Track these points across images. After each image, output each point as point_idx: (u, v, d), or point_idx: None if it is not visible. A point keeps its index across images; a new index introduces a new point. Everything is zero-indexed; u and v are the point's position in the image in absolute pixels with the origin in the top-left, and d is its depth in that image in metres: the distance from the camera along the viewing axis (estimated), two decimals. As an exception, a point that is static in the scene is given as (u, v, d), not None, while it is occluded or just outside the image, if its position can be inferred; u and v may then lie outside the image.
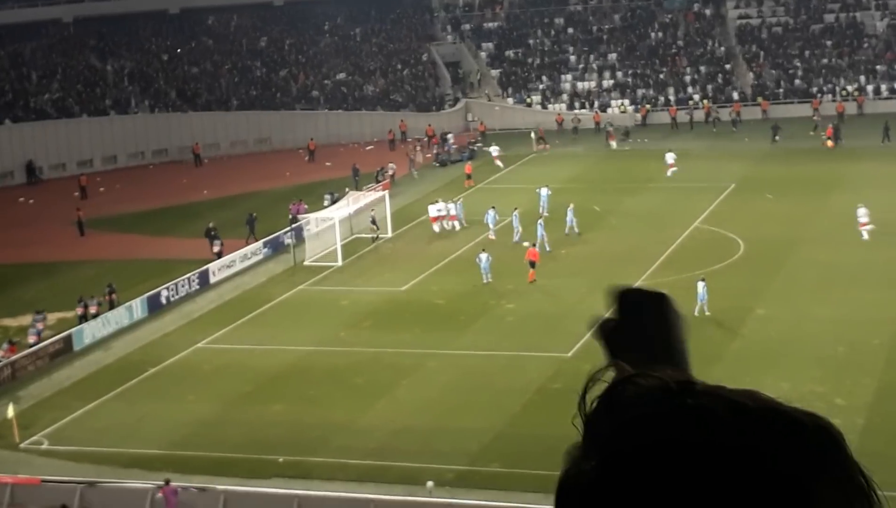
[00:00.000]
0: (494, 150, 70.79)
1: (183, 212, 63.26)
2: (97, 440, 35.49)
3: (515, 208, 54.07)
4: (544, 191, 57.77)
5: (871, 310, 41.53)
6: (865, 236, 50.56)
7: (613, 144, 74.98)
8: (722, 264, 47.61)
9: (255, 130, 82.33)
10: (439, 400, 36.53)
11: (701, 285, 41.81)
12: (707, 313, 41.24)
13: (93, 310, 45.60)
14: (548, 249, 50.52)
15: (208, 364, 41.13)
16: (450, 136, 77.03)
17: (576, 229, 53.39)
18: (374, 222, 54.98)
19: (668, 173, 64.64)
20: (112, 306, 46.14)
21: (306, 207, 58.23)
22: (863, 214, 51.56)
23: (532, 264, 47.24)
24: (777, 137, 72.71)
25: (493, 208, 54.07)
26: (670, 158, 64.84)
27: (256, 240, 54.92)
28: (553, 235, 51.95)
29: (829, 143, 70.40)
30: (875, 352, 37.80)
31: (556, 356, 38.92)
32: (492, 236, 52.92)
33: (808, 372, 36.40)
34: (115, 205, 66.33)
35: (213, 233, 54.15)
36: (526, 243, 50.05)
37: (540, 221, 52.29)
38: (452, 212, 57.09)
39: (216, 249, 53.32)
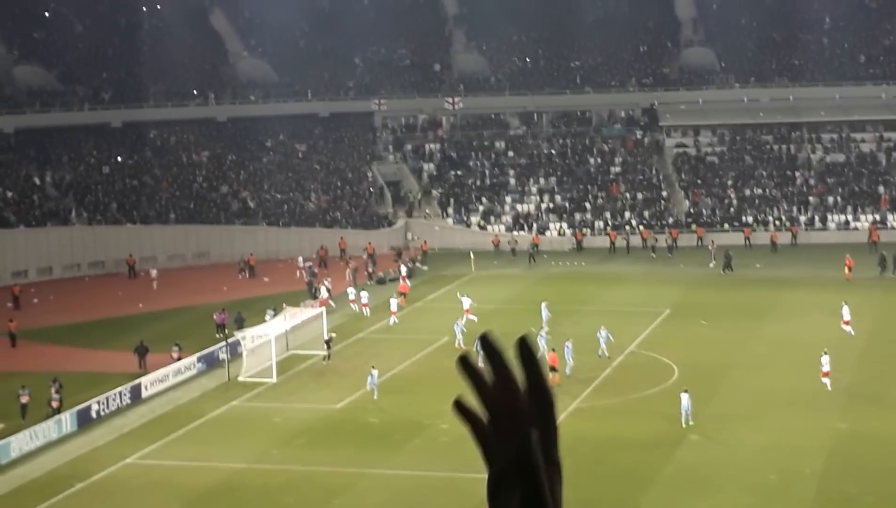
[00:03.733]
0: (467, 302, 60.36)
1: (117, 325, 62.62)
2: (19, 556, 34.64)
3: (541, 329, 53.75)
4: (544, 306, 57.76)
5: (802, 437, 41.81)
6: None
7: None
8: (656, 389, 47.78)
9: (193, 244, 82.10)
10: (371, 521, 36.09)
11: (685, 397, 42.70)
12: (691, 423, 42.43)
13: (24, 399, 46.29)
14: (568, 372, 49.31)
15: (137, 480, 40.39)
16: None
17: (606, 353, 52.20)
18: (328, 344, 54.52)
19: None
20: (58, 411, 45.68)
21: (226, 315, 59.29)
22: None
23: (553, 369, 46.87)
24: (729, 269, 72.03)
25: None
26: (846, 312, 55.61)
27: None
28: (581, 356, 50.91)
29: (847, 272, 67.98)
30: (806, 481, 37.91)
31: (490, 478, 38.59)
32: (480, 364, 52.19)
33: (740, 500, 36.41)
34: (49, 316, 65.54)
35: (142, 349, 53.34)
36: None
37: (542, 333, 52.01)
38: (364, 300, 62.02)
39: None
